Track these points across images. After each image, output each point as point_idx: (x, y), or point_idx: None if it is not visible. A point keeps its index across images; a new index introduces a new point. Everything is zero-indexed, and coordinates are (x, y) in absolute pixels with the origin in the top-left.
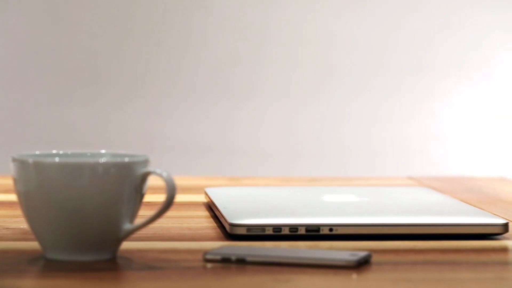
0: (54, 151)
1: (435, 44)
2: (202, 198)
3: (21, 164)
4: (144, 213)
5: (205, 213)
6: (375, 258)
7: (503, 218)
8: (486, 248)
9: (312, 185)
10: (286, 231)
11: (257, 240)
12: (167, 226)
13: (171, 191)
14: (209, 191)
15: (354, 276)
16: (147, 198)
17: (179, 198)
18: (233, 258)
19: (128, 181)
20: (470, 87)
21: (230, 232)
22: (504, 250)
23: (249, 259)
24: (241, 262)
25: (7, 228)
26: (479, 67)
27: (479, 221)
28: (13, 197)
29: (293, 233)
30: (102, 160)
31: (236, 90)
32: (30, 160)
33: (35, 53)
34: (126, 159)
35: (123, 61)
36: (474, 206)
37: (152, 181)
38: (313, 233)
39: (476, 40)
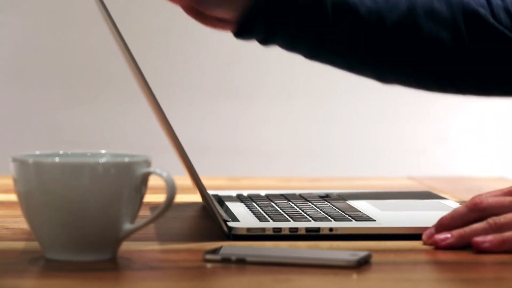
0: (54, 151)
1: None
2: None
3: (21, 164)
4: (144, 213)
5: (205, 213)
6: (375, 258)
7: None
8: None
9: (312, 185)
10: (286, 231)
11: (257, 240)
12: (167, 226)
13: (171, 191)
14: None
15: (354, 276)
16: (147, 198)
17: (179, 198)
18: (233, 258)
19: (128, 181)
20: None
21: (230, 232)
22: (503, 250)
23: (249, 259)
24: (241, 262)
25: (7, 228)
26: None
27: None
28: (13, 197)
29: (293, 233)
30: (102, 160)
31: (236, 90)
32: (30, 160)
33: (36, 54)
34: (126, 159)
35: (124, 61)
36: None
37: (152, 181)
38: (313, 233)
39: None
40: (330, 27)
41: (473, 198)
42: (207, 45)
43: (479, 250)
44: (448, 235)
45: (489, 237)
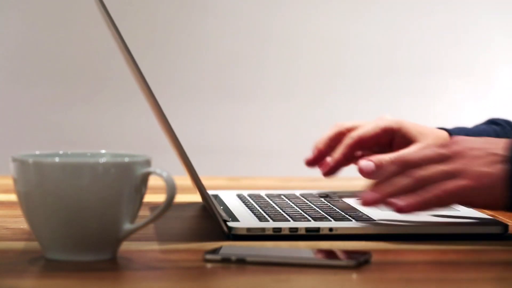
0: (54, 151)
1: (437, 46)
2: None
3: (21, 164)
4: (144, 213)
5: (205, 213)
6: (375, 258)
7: (503, 219)
8: (485, 249)
9: (312, 185)
10: (286, 231)
11: (257, 240)
12: (167, 226)
13: (171, 191)
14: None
15: (354, 276)
16: (147, 198)
17: (179, 198)
18: (233, 258)
19: (128, 181)
20: (473, 89)
21: (230, 232)
22: (503, 251)
23: (249, 259)
24: (241, 262)
25: (7, 228)
26: (482, 69)
27: (478, 222)
28: (13, 197)
29: (293, 233)
30: (102, 160)
31: (237, 91)
32: (30, 160)
33: (37, 54)
34: (126, 159)
35: (124, 62)
36: None
37: (152, 181)
38: (313, 233)
39: (480, 42)
40: None
41: (399, 153)
42: (207, 45)
43: (398, 211)
44: (376, 193)
45: (410, 198)
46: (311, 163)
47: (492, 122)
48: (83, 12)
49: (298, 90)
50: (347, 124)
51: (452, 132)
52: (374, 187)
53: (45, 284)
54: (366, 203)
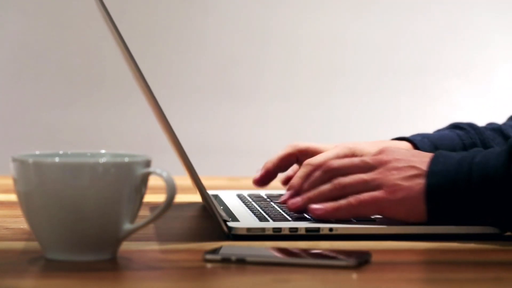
0: (54, 151)
1: (437, 46)
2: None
3: (21, 164)
4: (144, 213)
5: (205, 213)
6: (375, 258)
7: None
8: (485, 248)
9: None
10: (286, 231)
11: (257, 240)
12: (167, 226)
13: (171, 191)
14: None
15: (354, 276)
16: (147, 198)
17: (179, 198)
18: (233, 258)
19: (128, 181)
20: (472, 88)
21: (230, 232)
22: (503, 250)
23: (249, 259)
24: (241, 262)
25: (7, 228)
26: (481, 68)
27: (478, 222)
28: (13, 197)
29: (293, 233)
30: (102, 160)
31: (236, 91)
32: (30, 160)
33: (37, 54)
34: (126, 159)
35: (124, 62)
36: None
37: (152, 181)
38: (313, 233)
39: (479, 42)
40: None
41: (327, 160)
42: (207, 46)
43: (315, 217)
44: (299, 199)
45: (325, 205)
46: (257, 182)
47: (456, 126)
48: (83, 12)
49: (297, 90)
50: (301, 145)
51: (413, 140)
52: (300, 192)
53: (45, 284)
54: (290, 209)
